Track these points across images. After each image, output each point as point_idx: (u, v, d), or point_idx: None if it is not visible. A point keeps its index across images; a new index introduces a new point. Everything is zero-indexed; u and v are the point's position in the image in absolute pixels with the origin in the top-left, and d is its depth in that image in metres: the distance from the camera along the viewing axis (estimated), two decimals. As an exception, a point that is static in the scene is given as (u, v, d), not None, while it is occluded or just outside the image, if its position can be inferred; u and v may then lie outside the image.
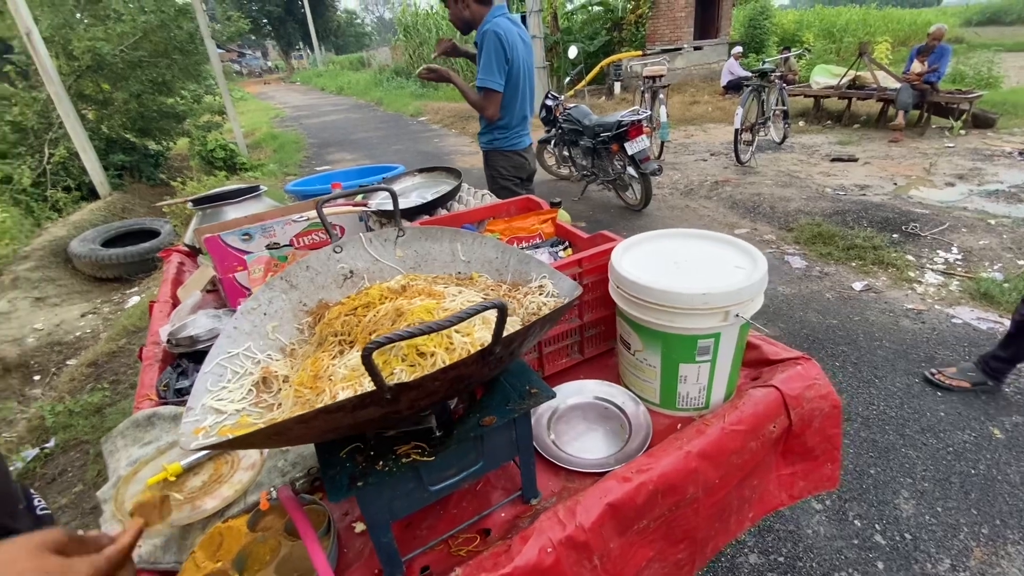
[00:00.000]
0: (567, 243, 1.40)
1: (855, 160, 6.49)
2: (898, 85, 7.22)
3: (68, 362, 3.44)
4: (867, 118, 8.28)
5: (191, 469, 0.91)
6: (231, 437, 0.56)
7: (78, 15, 6.47)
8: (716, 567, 1.70)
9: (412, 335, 0.50)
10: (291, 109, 17.18)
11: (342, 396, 0.67)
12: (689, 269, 1.06)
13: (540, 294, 0.92)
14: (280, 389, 0.78)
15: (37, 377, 3.33)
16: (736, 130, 6.44)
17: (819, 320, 3.19)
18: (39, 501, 0.74)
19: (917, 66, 7.17)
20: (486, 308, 0.54)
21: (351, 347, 0.76)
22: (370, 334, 0.75)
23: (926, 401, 2.43)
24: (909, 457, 2.11)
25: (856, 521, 1.84)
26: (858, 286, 3.56)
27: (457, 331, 0.72)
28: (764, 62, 7.71)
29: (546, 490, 0.94)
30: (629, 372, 1.13)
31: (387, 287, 0.85)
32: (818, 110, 8.88)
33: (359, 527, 0.88)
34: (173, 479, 0.88)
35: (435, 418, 0.75)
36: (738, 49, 10.96)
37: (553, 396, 0.81)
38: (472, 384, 0.75)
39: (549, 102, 5.87)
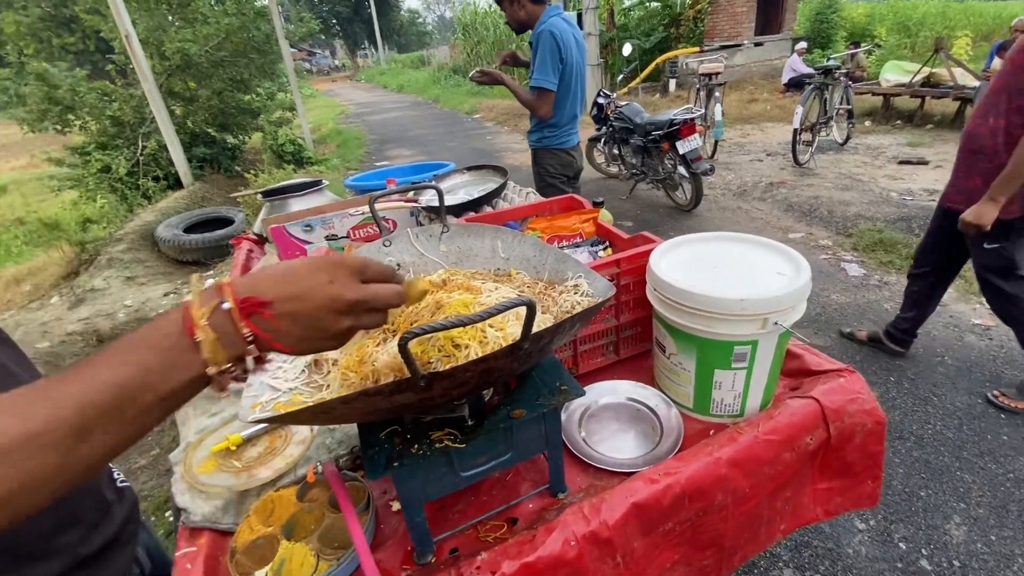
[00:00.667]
0: (607, 243, 1.41)
1: (925, 163, 6.07)
2: (977, 84, 6.67)
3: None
4: (941, 119, 7.71)
5: (249, 440, 0.99)
6: (283, 412, 0.62)
7: (170, 18, 6.99)
8: (748, 578, 1.67)
9: (445, 327, 0.54)
10: (355, 106, 17.80)
11: (384, 380, 0.72)
12: (729, 274, 1.05)
13: (575, 293, 0.94)
14: (329, 371, 0.84)
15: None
16: (795, 130, 6.17)
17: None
18: (117, 473, 0.83)
19: (998, 63, 6.60)
20: (515, 305, 0.57)
21: (394, 335, 0.81)
22: (411, 324, 0.79)
23: (988, 423, 2.28)
24: (964, 481, 1.99)
25: (901, 544, 1.75)
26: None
27: (491, 325, 0.75)
28: (829, 58, 7.32)
29: (574, 485, 0.96)
30: (663, 375, 1.14)
31: (429, 280, 0.90)
32: (887, 109, 8.34)
33: (395, 506, 0.94)
34: (234, 448, 0.97)
35: (468, 407, 0.79)
36: (802, 45, 10.43)
37: (582, 394, 0.83)
38: (502, 377, 0.78)
39: (601, 100, 5.82)
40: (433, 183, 1.06)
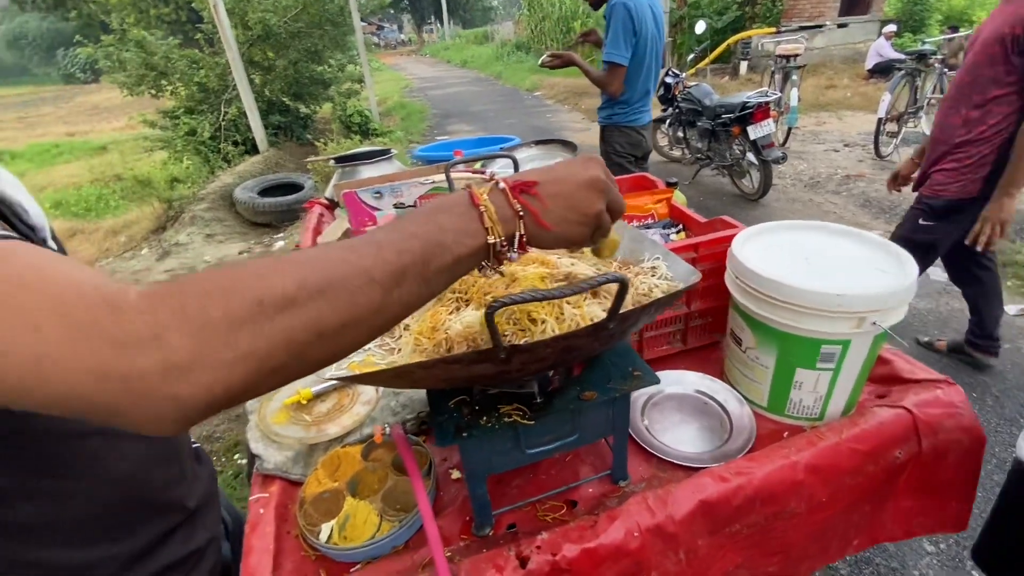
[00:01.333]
0: (681, 226, 1.34)
1: None
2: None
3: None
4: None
5: (319, 396, 1.02)
6: (362, 372, 0.62)
7: (253, -11, 7.25)
8: (800, 588, 1.59)
9: (535, 299, 0.51)
10: (419, 80, 17.95)
11: (457, 350, 0.71)
12: (821, 267, 0.97)
13: (652, 275, 0.90)
14: (400, 336, 0.84)
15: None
16: (880, 119, 5.68)
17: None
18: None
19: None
20: (609, 280, 0.54)
21: (467, 304, 0.80)
22: (484, 295, 0.78)
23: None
24: (1058, 515, 1.80)
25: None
26: (1012, 309, 3.04)
27: (568, 302, 0.73)
28: (924, 42, 6.64)
29: (635, 474, 0.93)
30: (736, 369, 1.08)
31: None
32: None
33: (455, 474, 0.94)
34: (304, 402, 1.00)
35: (537, 385, 0.77)
36: (891, 27, 9.49)
37: (657, 382, 0.79)
38: (579, 356, 0.76)
39: (669, 80, 5.56)
40: (508, 153, 1.03)
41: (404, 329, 0.86)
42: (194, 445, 0.84)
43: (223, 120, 6.84)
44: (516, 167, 1.02)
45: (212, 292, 0.35)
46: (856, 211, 4.70)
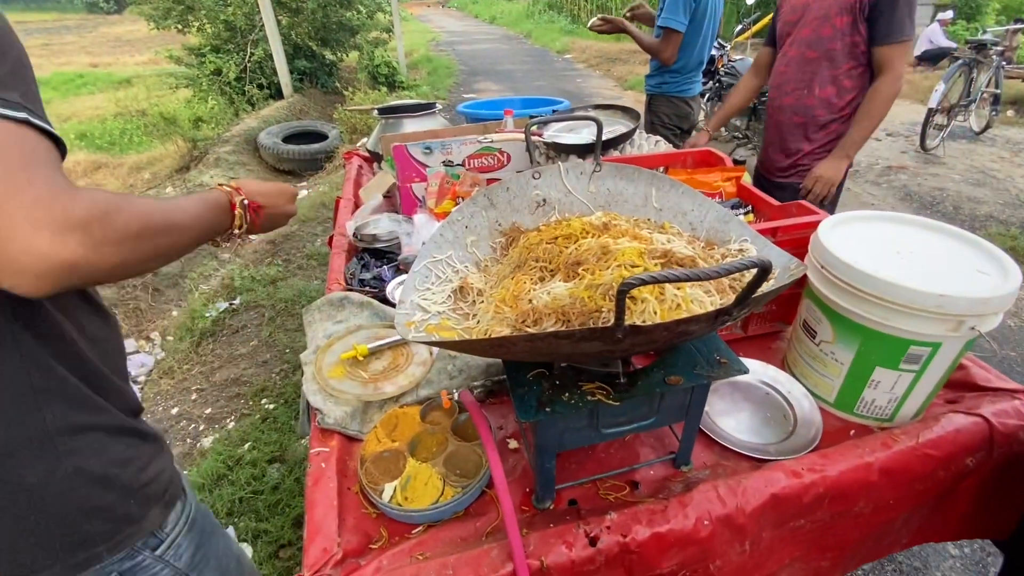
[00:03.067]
0: (750, 207, 1.28)
1: (1075, 167, 5.21)
2: None
3: (251, 236, 3.99)
4: (1102, 116, 6.53)
5: (374, 353, 1.00)
6: (458, 340, 0.59)
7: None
8: (820, 578, 1.60)
9: (678, 279, 0.47)
10: (447, 34, 17.37)
11: (546, 322, 0.68)
12: (915, 262, 0.92)
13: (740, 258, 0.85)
14: (475, 301, 0.81)
15: (227, 244, 3.90)
16: (930, 110, 5.40)
17: (992, 349, 2.72)
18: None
19: None
20: (754, 266, 0.49)
21: (552, 275, 0.76)
22: (575, 264, 0.74)
23: None
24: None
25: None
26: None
27: (671, 283, 0.68)
28: (985, 31, 6.25)
29: (697, 460, 0.91)
30: (803, 361, 1.04)
31: (588, 222, 0.83)
32: None
33: (513, 443, 0.93)
34: (360, 359, 0.98)
35: (621, 365, 0.74)
36: (948, 14, 8.90)
37: (745, 371, 0.76)
38: (691, 340, 0.72)
39: (714, 51, 5.31)
40: (593, 115, 0.97)
41: (477, 294, 0.82)
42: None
43: (249, 61, 6.66)
44: (599, 131, 0.96)
45: (124, 210, 0.52)
46: (896, 204, 4.55)
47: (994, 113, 6.15)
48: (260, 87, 6.74)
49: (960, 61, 5.51)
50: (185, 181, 4.67)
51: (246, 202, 0.75)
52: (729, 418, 1.01)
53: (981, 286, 0.84)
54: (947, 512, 1.01)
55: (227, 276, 3.25)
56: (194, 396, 2.43)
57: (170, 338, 2.86)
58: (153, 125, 6.10)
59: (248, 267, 3.34)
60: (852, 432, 0.97)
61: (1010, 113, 7.15)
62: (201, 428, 2.25)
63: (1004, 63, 6.03)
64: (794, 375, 1.07)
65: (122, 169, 5.44)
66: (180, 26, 6.85)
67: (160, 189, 4.73)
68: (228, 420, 2.27)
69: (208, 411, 2.33)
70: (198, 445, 2.15)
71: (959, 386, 1.04)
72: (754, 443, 0.94)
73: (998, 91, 5.99)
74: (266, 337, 2.71)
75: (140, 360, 2.65)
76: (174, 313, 3.15)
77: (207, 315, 2.89)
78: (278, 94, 6.75)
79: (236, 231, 0.75)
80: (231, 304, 3.01)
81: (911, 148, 5.83)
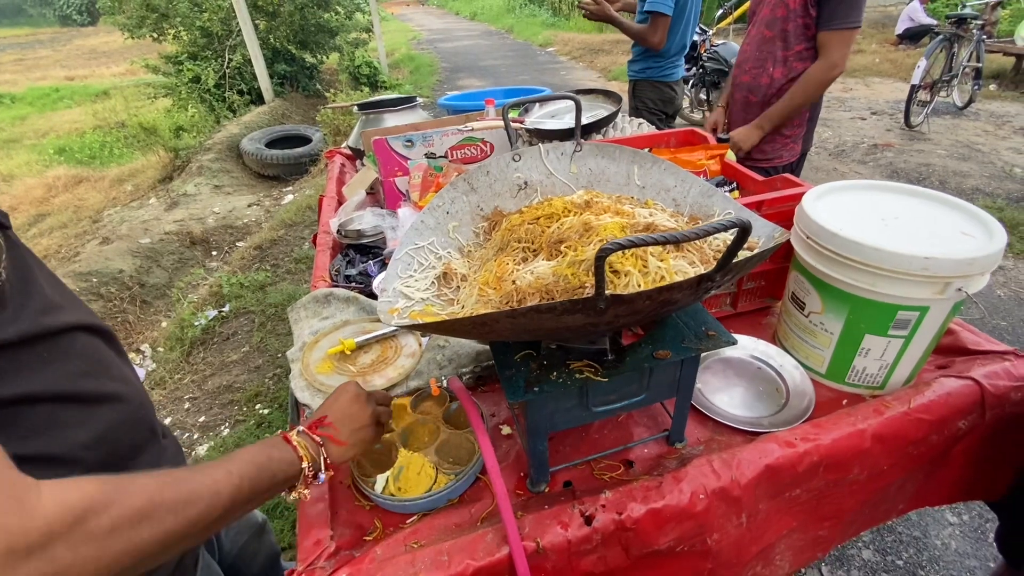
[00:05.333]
0: (735, 184, 1.28)
1: (1057, 138, 5.26)
2: None
3: (238, 243, 3.97)
4: (1082, 90, 6.59)
5: (362, 347, 0.99)
6: (439, 321, 0.58)
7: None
8: (821, 552, 1.61)
9: (656, 242, 0.46)
10: (427, 32, 17.27)
11: (529, 302, 0.67)
12: (899, 228, 0.91)
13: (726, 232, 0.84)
14: (459, 287, 0.80)
15: (215, 252, 3.91)
16: (913, 86, 5.42)
17: (981, 316, 2.74)
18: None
19: None
20: (732, 226, 0.49)
21: (535, 255, 0.75)
22: (557, 243, 0.73)
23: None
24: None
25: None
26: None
27: (652, 254, 0.68)
28: (965, 6, 6.29)
29: (691, 437, 0.91)
30: (794, 334, 1.04)
31: (570, 201, 0.82)
32: (1017, 73, 7.14)
33: (506, 429, 0.92)
34: (348, 353, 0.97)
35: (608, 341, 0.73)
36: None
37: (734, 342, 0.75)
38: (674, 310, 0.71)
39: (696, 37, 5.31)
40: (572, 94, 0.96)
41: (461, 280, 0.81)
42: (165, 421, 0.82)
43: (227, 68, 6.59)
44: (578, 110, 0.95)
45: (114, 503, 0.42)
46: (883, 181, 4.58)
47: (976, 87, 6.20)
48: (240, 93, 6.67)
49: (941, 37, 5.54)
50: (169, 192, 4.62)
51: (303, 429, 0.65)
52: (722, 394, 1.01)
53: (966, 247, 0.84)
54: (941, 476, 1.01)
55: (215, 284, 3.22)
56: (187, 405, 2.40)
57: (160, 349, 2.83)
58: (133, 136, 6.02)
59: (236, 274, 3.31)
60: (844, 402, 0.97)
61: (992, 87, 7.20)
62: (195, 437, 2.22)
63: (984, 37, 6.07)
64: (785, 348, 1.07)
65: (103, 182, 5.36)
66: (155, 35, 6.77)
67: (143, 201, 4.67)
68: (223, 427, 2.25)
69: (202, 419, 2.30)
70: (193, 454, 2.12)
71: (949, 351, 1.05)
72: (748, 417, 0.94)
73: (980, 65, 6.03)
74: (257, 343, 2.69)
75: (131, 373, 2.62)
76: (163, 324, 3.11)
77: (196, 324, 2.86)
78: (259, 99, 6.68)
79: (309, 470, 0.62)
80: (220, 311, 2.99)
81: (896, 126, 5.87)
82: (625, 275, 0.65)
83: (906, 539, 1.64)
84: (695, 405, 0.95)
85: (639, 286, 0.64)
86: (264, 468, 0.57)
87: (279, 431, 0.64)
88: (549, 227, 0.77)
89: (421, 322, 0.65)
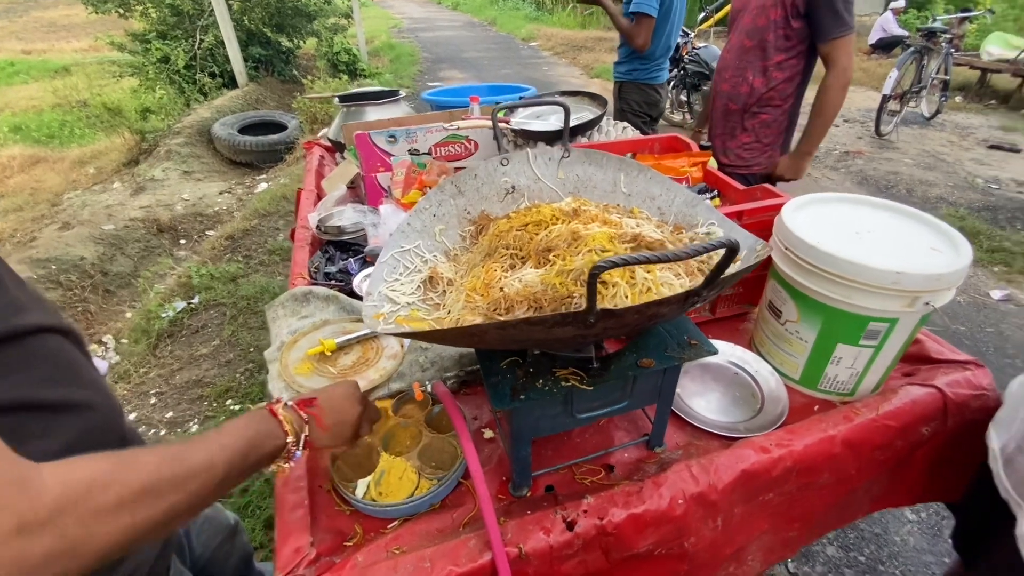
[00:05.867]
0: (716, 192, 1.30)
1: (1018, 151, 5.51)
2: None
3: (208, 232, 3.83)
4: (1041, 104, 6.92)
5: (343, 348, 0.97)
6: (429, 330, 0.58)
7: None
8: (787, 548, 1.67)
9: (648, 261, 0.47)
10: (409, 20, 16.96)
11: (518, 310, 0.67)
12: (873, 242, 0.95)
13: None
14: (445, 291, 0.79)
15: (183, 241, 3.77)
16: (884, 96, 5.61)
17: (943, 323, 2.87)
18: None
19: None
20: (723, 246, 0.49)
21: (523, 262, 0.75)
22: (546, 251, 0.73)
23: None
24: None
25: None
26: (997, 294, 3.14)
27: (641, 267, 0.68)
28: (935, 19, 6.53)
29: (670, 442, 0.93)
30: (770, 341, 1.07)
31: (558, 208, 0.82)
32: (982, 86, 7.47)
33: (488, 433, 0.92)
34: (328, 354, 0.95)
35: (594, 349, 0.74)
36: (900, 3, 9.24)
37: (715, 352, 0.77)
38: (661, 323, 0.72)
39: (679, 39, 5.36)
40: (560, 100, 0.96)
41: (447, 284, 0.81)
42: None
43: (199, 48, 6.33)
44: (567, 116, 0.95)
45: (114, 482, 0.43)
46: (853, 188, 4.72)
47: (943, 99, 6.44)
48: (212, 75, 6.43)
49: (912, 49, 5.72)
50: (134, 176, 4.44)
51: (290, 403, 0.65)
52: (700, 399, 1.03)
53: (935, 263, 0.87)
54: (904, 479, 1.06)
55: (183, 274, 3.10)
56: (153, 400, 2.32)
57: (124, 341, 2.72)
58: (96, 116, 5.74)
59: (206, 264, 3.19)
60: (816, 408, 1.01)
61: (958, 99, 7.50)
62: (162, 433, 2.15)
63: (952, 50, 6.29)
64: (761, 355, 1.10)
65: (63, 164, 5.12)
66: (121, 10, 6.44)
67: (107, 185, 4.48)
68: (191, 423, 2.18)
69: (169, 415, 2.23)
70: (160, 450, 2.06)
71: (915, 359, 1.09)
72: (724, 422, 0.97)
73: (947, 78, 6.26)
74: (228, 336, 2.62)
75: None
76: (128, 314, 2.99)
77: (164, 315, 2.76)
78: (232, 83, 6.45)
79: (292, 444, 0.62)
80: (189, 303, 2.89)
81: (867, 134, 6.06)
82: (613, 286, 0.66)
83: (868, 536, 1.71)
84: (674, 410, 0.97)
85: (626, 297, 0.65)
86: (253, 442, 0.58)
87: (263, 403, 0.64)
88: (537, 234, 0.77)
89: (408, 329, 0.65)
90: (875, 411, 0.92)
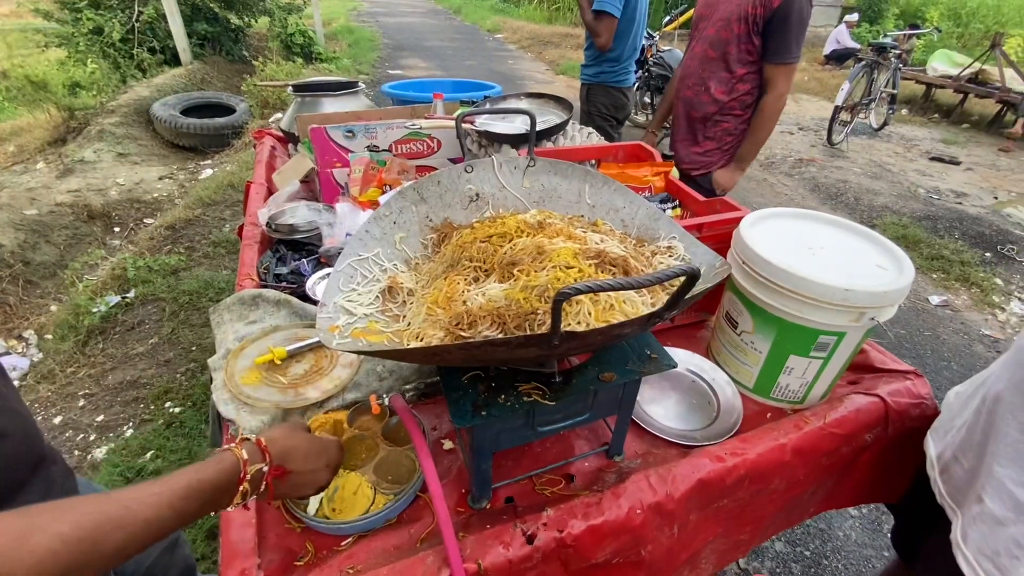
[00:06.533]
0: (677, 202, 1.32)
1: (957, 163, 5.92)
2: (1025, 88, 6.40)
3: (146, 220, 3.58)
4: (979, 119, 7.45)
5: (294, 356, 0.93)
6: (392, 349, 0.55)
7: None
8: (736, 544, 1.73)
9: (612, 287, 0.46)
10: (369, 3, 16.44)
11: (481, 326, 0.65)
12: (825, 259, 0.98)
13: (669, 256, 0.87)
14: (405, 301, 0.76)
15: (117, 229, 3.50)
16: (836, 107, 5.89)
17: (884, 328, 3.04)
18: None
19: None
20: (684, 274, 0.49)
21: (487, 275, 0.73)
22: (510, 265, 0.71)
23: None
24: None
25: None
26: (935, 300, 3.36)
27: (604, 281, 0.68)
28: (885, 35, 6.89)
29: (629, 450, 0.94)
30: (726, 350, 1.09)
31: (524, 220, 0.81)
32: (927, 100, 8.00)
33: (447, 444, 0.90)
34: (278, 362, 0.91)
35: (556, 364, 0.73)
36: (854, 16, 9.75)
37: (674, 366, 0.78)
38: (622, 340, 0.72)
39: (644, 41, 5.43)
40: (526, 109, 0.94)
41: (408, 294, 0.78)
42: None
43: (137, 21, 5.86)
44: (533, 125, 0.93)
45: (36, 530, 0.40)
46: (805, 194, 4.93)
47: (891, 111, 6.81)
48: (152, 51, 5.98)
49: (863, 62, 6.01)
50: (61, 156, 4.10)
51: (264, 470, 0.60)
52: (657, 405, 1.05)
53: (880, 281, 0.92)
54: (848, 482, 1.11)
55: (118, 265, 2.88)
56: (82, 402, 2.16)
57: (49, 337, 2.52)
58: (18, 89, 5.27)
59: (144, 255, 2.97)
60: (769, 415, 1.04)
61: (904, 111, 7.95)
62: (92, 438, 2.01)
63: (901, 65, 6.66)
64: (717, 363, 1.13)
65: (-22, 140, 4.70)
66: (47, -28, 5.94)
67: (29, 165, 4.12)
68: (125, 427, 2.04)
69: (100, 418, 2.08)
70: (89, 457, 1.91)
71: (860, 368, 1.14)
72: (681, 429, 0.98)
73: (895, 91, 6.62)
74: (168, 334, 2.45)
75: (11, 363, 2.29)
76: (53, 308, 2.77)
77: (95, 310, 2.56)
78: (175, 60, 6.03)
79: (239, 502, 0.59)
80: (124, 298, 2.69)
81: (820, 142, 6.34)
82: (577, 303, 0.65)
83: (813, 531, 1.80)
84: (633, 418, 0.98)
85: (590, 314, 0.64)
86: (208, 502, 0.55)
87: (237, 455, 0.58)
88: (502, 246, 0.75)
89: (366, 345, 0.62)
90: (823, 419, 0.95)
